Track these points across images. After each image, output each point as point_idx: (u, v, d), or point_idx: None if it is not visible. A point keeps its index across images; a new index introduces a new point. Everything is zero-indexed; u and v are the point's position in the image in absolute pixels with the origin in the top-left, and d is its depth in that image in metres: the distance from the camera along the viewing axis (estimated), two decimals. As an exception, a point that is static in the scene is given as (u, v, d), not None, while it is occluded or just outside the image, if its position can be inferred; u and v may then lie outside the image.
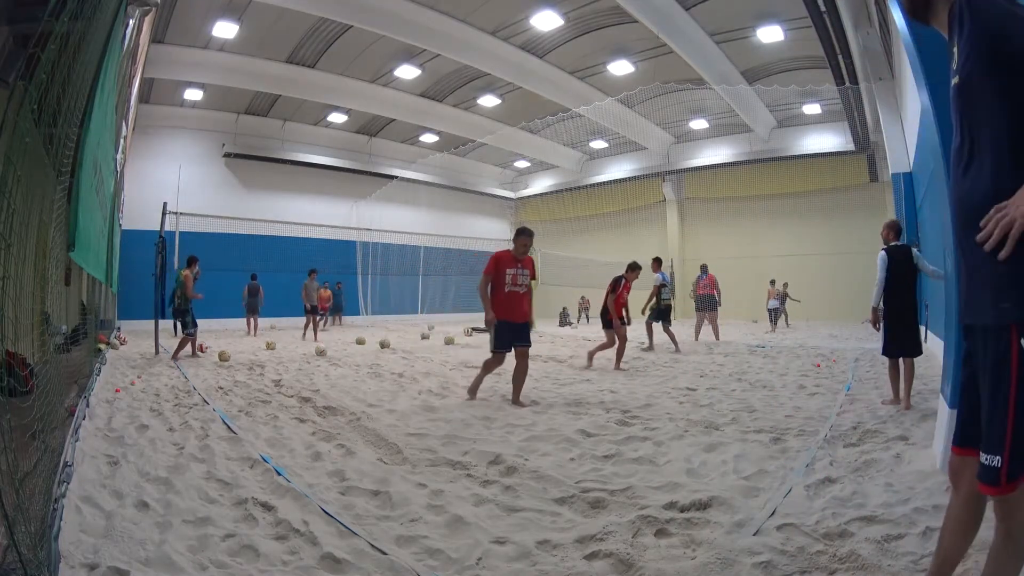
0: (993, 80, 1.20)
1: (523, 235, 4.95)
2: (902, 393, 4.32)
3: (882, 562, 1.86)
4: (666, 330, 9.26)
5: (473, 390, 5.08)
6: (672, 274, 20.16)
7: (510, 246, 5.10)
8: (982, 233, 1.14)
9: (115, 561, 1.94)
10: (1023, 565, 1.28)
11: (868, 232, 16.97)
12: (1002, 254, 1.11)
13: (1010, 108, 1.19)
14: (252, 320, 13.85)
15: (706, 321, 10.98)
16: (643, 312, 9.49)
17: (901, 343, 4.38)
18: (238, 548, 2.10)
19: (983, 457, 1.20)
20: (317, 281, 12.61)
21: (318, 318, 12.87)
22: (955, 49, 1.31)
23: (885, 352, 4.47)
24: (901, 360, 4.39)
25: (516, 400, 4.84)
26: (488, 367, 5.07)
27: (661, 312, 9.39)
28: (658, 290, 9.31)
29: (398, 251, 19.97)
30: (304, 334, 12.16)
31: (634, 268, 7.59)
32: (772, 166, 18.05)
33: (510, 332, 4.91)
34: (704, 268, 11.55)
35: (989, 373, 1.20)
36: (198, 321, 8.43)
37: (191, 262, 8.50)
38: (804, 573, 1.83)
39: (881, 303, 4.47)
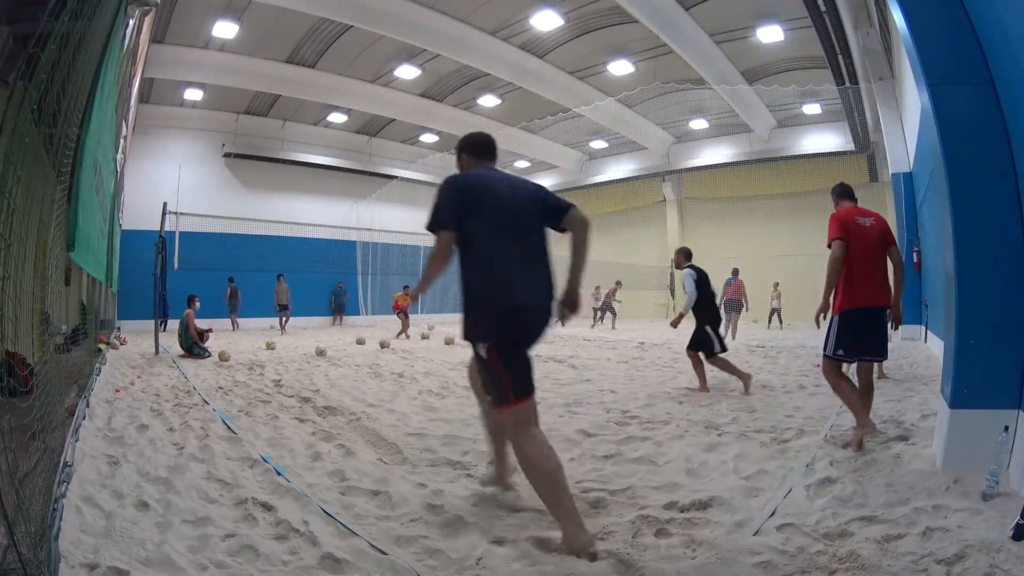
0: None
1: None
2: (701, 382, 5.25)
3: (882, 562, 1.85)
4: None
5: (860, 437, 3.17)
6: (671, 274, 20.27)
7: None
8: None
9: (115, 561, 1.94)
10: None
11: (868, 232, 16.97)
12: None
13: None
14: (232, 317, 15.52)
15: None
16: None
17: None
18: (238, 548, 2.10)
19: None
20: (286, 283, 15.16)
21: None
22: None
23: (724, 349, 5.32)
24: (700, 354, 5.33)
25: (868, 424, 3.27)
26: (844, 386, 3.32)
27: None
28: None
29: (398, 251, 19.91)
30: (282, 331, 14.38)
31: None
32: (772, 166, 18.03)
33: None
34: (736, 272, 11.60)
35: None
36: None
37: (191, 301, 8.95)
38: (804, 573, 1.83)
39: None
